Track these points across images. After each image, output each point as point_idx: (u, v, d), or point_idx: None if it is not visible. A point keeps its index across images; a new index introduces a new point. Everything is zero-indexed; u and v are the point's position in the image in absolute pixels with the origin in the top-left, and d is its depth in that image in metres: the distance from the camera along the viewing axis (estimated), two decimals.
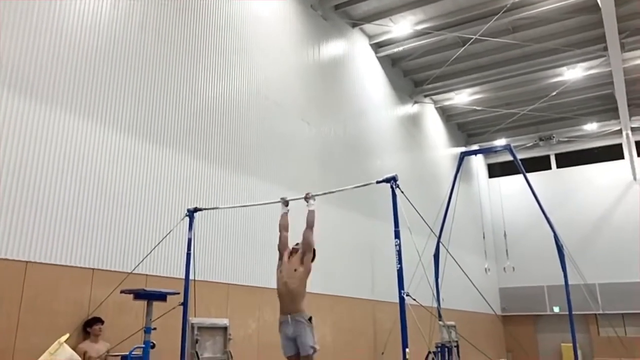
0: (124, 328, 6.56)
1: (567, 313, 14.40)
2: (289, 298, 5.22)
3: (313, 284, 10.51)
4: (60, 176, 6.31)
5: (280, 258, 5.53)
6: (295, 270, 5.26)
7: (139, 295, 6.24)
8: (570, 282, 14.40)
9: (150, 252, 6.82)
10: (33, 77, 6.18)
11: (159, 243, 6.85)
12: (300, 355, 5.09)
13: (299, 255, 5.33)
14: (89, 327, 6.23)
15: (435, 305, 10.28)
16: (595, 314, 19.71)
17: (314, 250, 5.35)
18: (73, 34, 6.75)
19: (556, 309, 20.98)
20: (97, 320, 6.28)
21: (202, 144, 8.56)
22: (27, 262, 5.81)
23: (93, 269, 6.51)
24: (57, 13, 6.58)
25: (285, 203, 5.88)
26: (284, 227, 5.66)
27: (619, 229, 20.47)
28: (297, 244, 5.47)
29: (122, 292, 6.27)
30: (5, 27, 5.96)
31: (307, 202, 5.62)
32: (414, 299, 4.91)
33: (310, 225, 5.38)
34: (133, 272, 6.63)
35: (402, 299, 4.83)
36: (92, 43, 6.98)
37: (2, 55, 5.88)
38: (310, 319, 5.14)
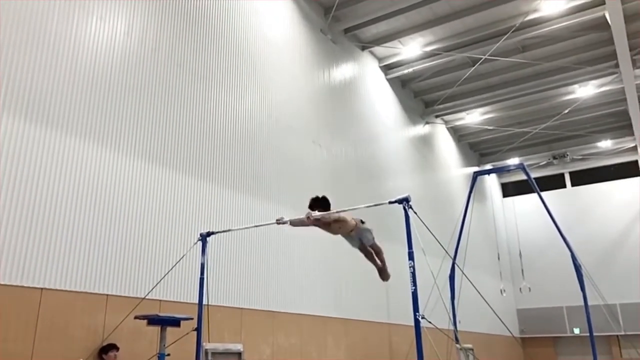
0: (138, 354, 6.54)
1: (588, 334, 14.06)
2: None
3: (326, 308, 10.49)
4: (73, 203, 6.38)
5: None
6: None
7: (152, 320, 6.24)
8: (590, 303, 14.08)
9: (164, 277, 6.82)
10: (48, 104, 6.30)
11: (172, 268, 6.86)
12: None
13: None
14: (105, 353, 6.21)
15: (451, 327, 10.11)
16: (617, 335, 19.23)
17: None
18: (87, 61, 6.89)
19: (576, 331, 20.52)
20: (113, 347, 6.26)
21: (214, 168, 8.62)
22: (42, 288, 5.84)
23: (107, 294, 6.52)
24: (72, 41, 6.73)
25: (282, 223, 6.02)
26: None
27: (638, 247, 20.07)
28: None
29: (135, 317, 6.27)
30: (21, 56, 6.11)
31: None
32: (430, 322, 4.83)
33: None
34: (147, 297, 6.63)
35: (417, 322, 4.74)
36: (106, 69, 7.12)
37: (17, 83, 6.01)
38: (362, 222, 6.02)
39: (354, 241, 6.16)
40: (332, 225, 5.81)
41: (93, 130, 6.79)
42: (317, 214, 5.66)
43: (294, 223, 6.00)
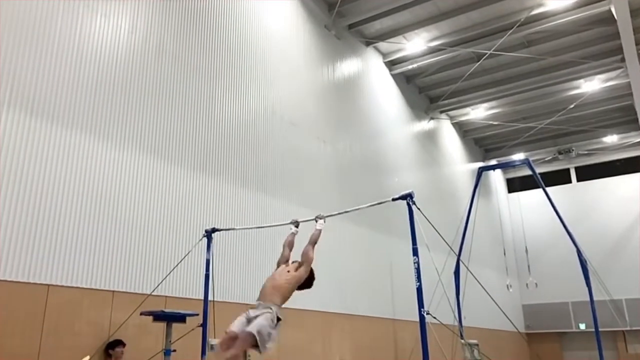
0: (144, 350, 6.57)
1: (594, 330, 14.02)
2: (270, 289, 4.55)
3: (331, 304, 10.51)
4: (79, 200, 6.41)
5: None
6: (288, 271, 4.63)
7: (158, 316, 6.27)
8: (595, 298, 14.03)
9: (169, 273, 6.85)
10: (52, 101, 6.32)
11: (177, 264, 6.89)
12: (241, 331, 4.09)
13: (295, 265, 4.77)
14: (111, 349, 6.25)
15: (456, 323, 10.11)
16: (623, 331, 19.16)
17: (312, 271, 4.73)
18: (92, 58, 6.91)
19: (582, 326, 20.45)
20: (119, 343, 6.30)
21: (219, 164, 8.63)
22: (48, 285, 5.87)
23: (113, 291, 6.56)
24: (76, 38, 6.75)
25: (296, 224, 5.55)
26: (288, 245, 5.10)
27: None
28: (297, 261, 5.01)
29: (141, 314, 6.31)
30: (26, 53, 6.13)
31: (317, 222, 5.39)
32: (435, 318, 4.83)
33: (312, 242, 4.91)
34: (152, 293, 6.66)
35: (422, 318, 4.76)
36: (110, 66, 7.14)
37: (22, 80, 6.04)
38: (278, 318, 4.35)
39: None
40: (294, 265, 4.76)
41: (97, 127, 6.81)
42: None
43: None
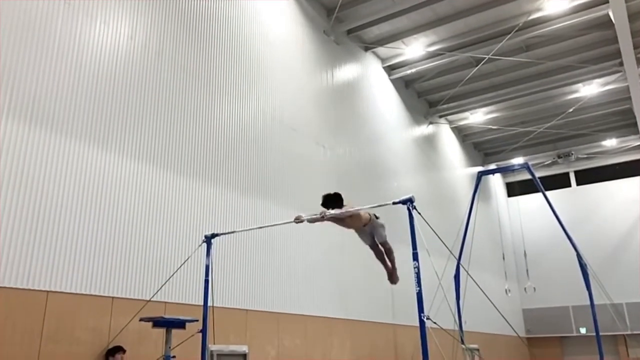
0: (143, 356, 6.56)
1: (595, 334, 14.00)
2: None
3: (331, 309, 10.48)
4: (78, 206, 6.40)
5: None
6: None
7: (157, 323, 6.25)
8: (596, 302, 14.02)
9: (169, 279, 6.84)
10: (52, 108, 6.32)
11: (177, 270, 6.87)
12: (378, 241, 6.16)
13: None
14: (111, 356, 6.23)
15: (457, 328, 10.08)
16: (624, 335, 19.13)
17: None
18: (91, 65, 6.92)
19: (583, 330, 20.43)
20: (119, 349, 6.28)
21: (218, 170, 8.63)
22: (48, 291, 5.86)
23: (112, 297, 6.54)
24: (75, 45, 6.76)
25: (300, 221, 5.93)
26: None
27: None
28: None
29: (141, 320, 6.29)
30: (25, 59, 6.14)
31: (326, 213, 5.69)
32: (435, 322, 4.82)
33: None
34: (152, 299, 6.65)
35: (422, 323, 4.74)
36: (109, 73, 7.14)
37: (21, 86, 6.04)
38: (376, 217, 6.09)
39: (366, 236, 6.20)
40: (346, 220, 5.87)
41: (97, 133, 6.81)
42: (331, 212, 5.64)
43: (310, 220, 5.97)
